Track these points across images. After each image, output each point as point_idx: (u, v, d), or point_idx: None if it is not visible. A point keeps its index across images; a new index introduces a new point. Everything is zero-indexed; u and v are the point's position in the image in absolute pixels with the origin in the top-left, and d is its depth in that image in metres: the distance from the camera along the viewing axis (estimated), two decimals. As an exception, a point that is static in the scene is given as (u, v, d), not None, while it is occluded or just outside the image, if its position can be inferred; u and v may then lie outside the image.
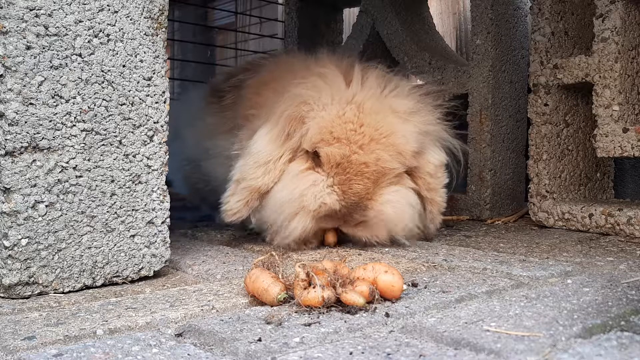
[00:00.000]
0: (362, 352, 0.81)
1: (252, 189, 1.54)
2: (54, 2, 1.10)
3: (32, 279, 1.10)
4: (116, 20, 1.18)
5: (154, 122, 1.25)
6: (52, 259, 1.12)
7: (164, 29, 1.25)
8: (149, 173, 1.24)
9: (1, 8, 1.05)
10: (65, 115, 1.12)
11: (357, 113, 1.49)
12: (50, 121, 1.10)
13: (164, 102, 1.26)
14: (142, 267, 1.25)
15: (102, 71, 1.17)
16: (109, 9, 1.17)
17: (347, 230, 1.57)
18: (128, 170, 1.21)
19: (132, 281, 1.24)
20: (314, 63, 1.68)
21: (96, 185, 1.17)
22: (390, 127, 1.50)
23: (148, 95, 1.23)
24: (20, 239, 1.08)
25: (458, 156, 1.71)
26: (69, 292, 1.15)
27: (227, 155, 1.72)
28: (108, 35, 1.17)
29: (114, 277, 1.21)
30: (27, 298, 1.10)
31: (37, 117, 1.09)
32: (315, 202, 1.48)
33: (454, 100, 1.76)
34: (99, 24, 1.16)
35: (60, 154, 1.12)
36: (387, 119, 1.50)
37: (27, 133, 1.08)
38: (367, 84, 1.55)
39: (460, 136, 1.76)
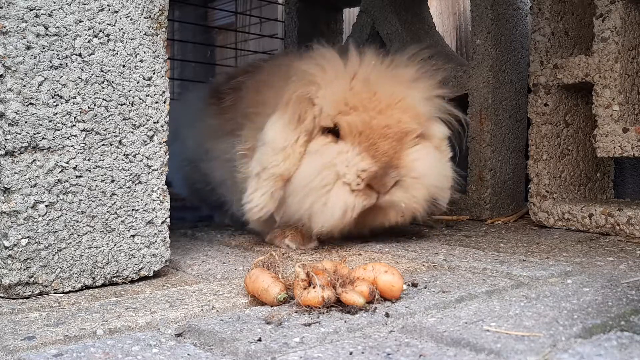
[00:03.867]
0: (362, 352, 0.81)
1: (275, 177, 1.50)
2: (54, 2, 1.10)
3: (32, 279, 1.10)
4: (116, 20, 1.18)
5: (154, 122, 1.25)
6: (52, 259, 1.12)
7: (164, 29, 1.25)
8: (149, 173, 1.24)
9: (1, 8, 1.05)
10: (65, 115, 1.12)
11: (365, 84, 1.52)
12: (50, 121, 1.10)
13: (164, 102, 1.26)
14: (142, 267, 1.25)
15: (102, 71, 1.17)
16: (109, 9, 1.17)
17: (386, 198, 1.52)
18: (128, 170, 1.21)
19: (132, 281, 1.24)
20: (310, 53, 1.69)
21: (96, 185, 1.17)
22: (401, 94, 1.54)
23: (148, 95, 1.23)
24: (20, 239, 1.08)
25: (458, 128, 1.73)
26: (69, 292, 1.15)
27: (228, 157, 1.72)
28: (108, 35, 1.17)
29: (114, 277, 1.21)
30: (27, 298, 1.10)
31: (37, 117, 1.09)
32: (351, 170, 1.46)
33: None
34: (99, 24, 1.16)
35: (60, 154, 1.12)
36: (394, 87, 1.54)
37: (27, 133, 1.08)
38: (366, 60, 1.59)
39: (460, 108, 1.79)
